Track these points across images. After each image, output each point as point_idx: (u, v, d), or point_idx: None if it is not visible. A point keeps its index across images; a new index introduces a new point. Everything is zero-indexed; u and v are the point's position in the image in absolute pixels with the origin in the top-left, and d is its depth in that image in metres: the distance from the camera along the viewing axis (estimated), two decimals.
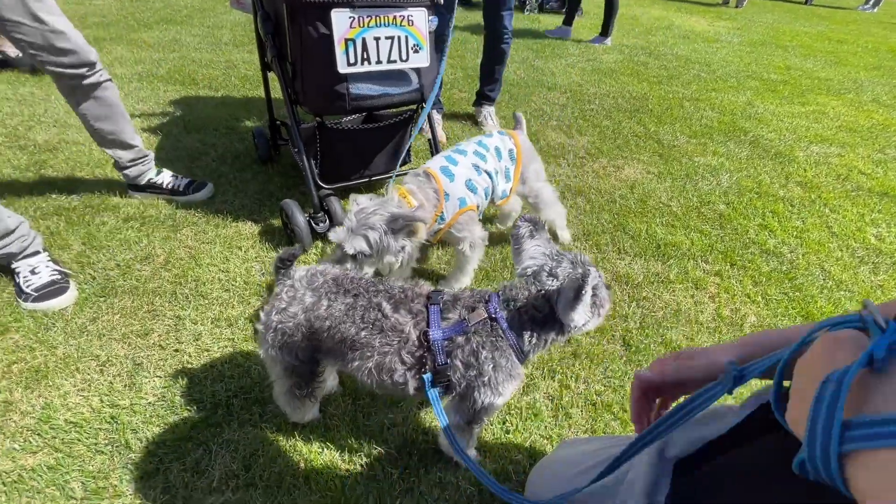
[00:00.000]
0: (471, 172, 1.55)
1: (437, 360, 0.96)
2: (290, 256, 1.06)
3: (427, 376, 0.96)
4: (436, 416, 0.92)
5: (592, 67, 4.27)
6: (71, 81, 1.62)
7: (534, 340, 0.97)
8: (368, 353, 0.97)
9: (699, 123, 3.22)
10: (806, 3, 10.02)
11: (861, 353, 0.35)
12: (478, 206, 1.59)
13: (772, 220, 2.21)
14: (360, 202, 1.32)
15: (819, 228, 2.19)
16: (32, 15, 1.44)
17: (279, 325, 1.00)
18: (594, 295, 0.93)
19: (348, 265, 1.29)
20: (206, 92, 3.16)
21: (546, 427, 1.25)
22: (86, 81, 1.64)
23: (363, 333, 0.97)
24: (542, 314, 0.96)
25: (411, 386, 0.99)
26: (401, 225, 1.27)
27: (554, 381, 1.37)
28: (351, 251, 1.26)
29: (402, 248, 1.30)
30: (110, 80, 1.74)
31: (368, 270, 1.33)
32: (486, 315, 0.96)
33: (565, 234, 1.95)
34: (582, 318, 0.93)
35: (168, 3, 5.27)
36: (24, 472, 1.08)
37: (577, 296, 0.90)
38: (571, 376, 1.39)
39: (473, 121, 3.00)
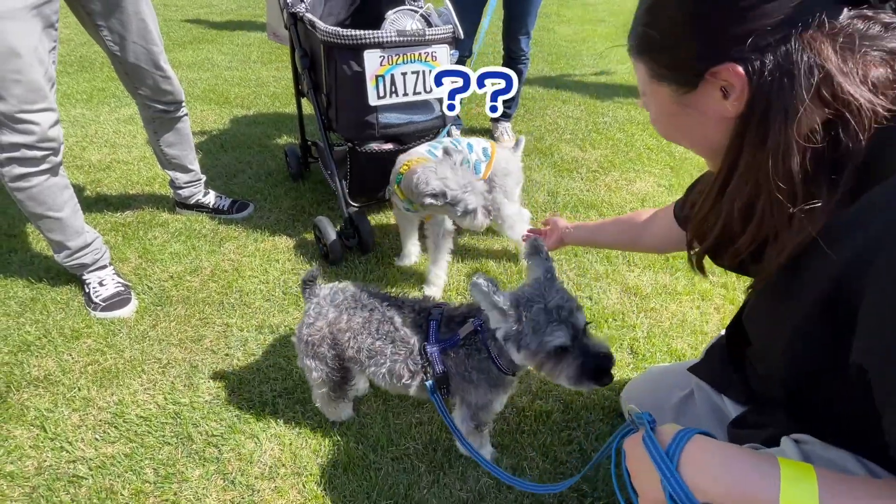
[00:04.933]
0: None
1: (435, 370, 1.11)
2: (312, 277, 1.22)
3: (429, 383, 1.11)
4: (442, 417, 1.07)
5: (606, 79, 4.37)
6: (161, 115, 1.86)
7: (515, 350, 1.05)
8: (382, 360, 1.14)
9: None
10: None
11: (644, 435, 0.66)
12: None
13: None
14: (438, 171, 1.48)
15: None
16: (154, 63, 1.68)
17: (308, 338, 1.16)
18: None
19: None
20: (239, 111, 3.37)
21: (557, 428, 1.38)
22: (171, 116, 1.86)
23: (378, 343, 1.13)
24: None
25: (415, 389, 1.16)
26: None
27: None
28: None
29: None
30: (187, 114, 1.97)
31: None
32: (472, 328, 1.09)
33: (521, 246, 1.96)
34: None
35: (199, 22, 5.55)
36: (106, 458, 1.26)
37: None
38: None
39: (490, 135, 3.14)
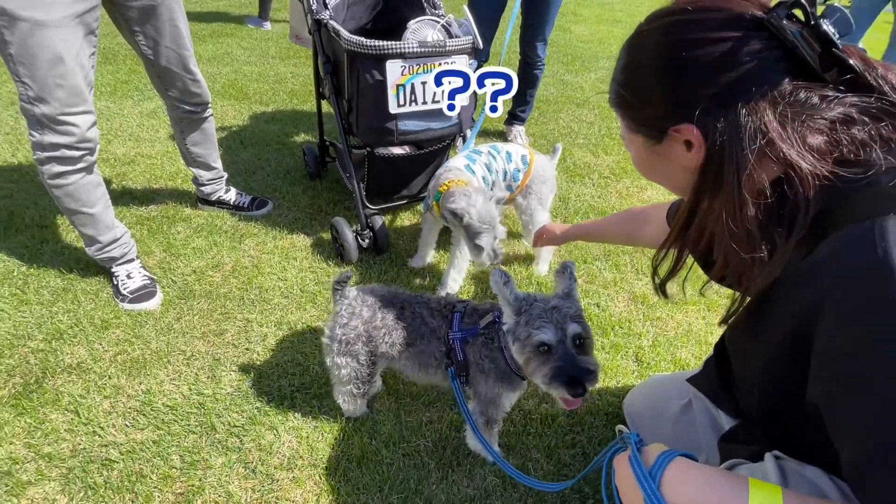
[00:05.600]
0: (484, 171, 1.79)
1: (457, 356, 1.19)
2: (345, 279, 1.30)
3: (451, 370, 1.20)
4: (459, 408, 1.13)
5: None
6: (188, 116, 1.93)
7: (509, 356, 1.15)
8: (413, 350, 1.24)
9: None
10: None
11: (630, 455, 0.73)
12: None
13: None
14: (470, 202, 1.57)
15: None
16: (185, 66, 1.75)
17: (342, 337, 1.23)
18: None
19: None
20: (258, 107, 3.44)
21: (562, 432, 1.44)
22: (198, 117, 1.93)
23: (410, 336, 1.23)
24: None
25: (440, 377, 1.25)
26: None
27: None
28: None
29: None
30: (213, 114, 2.04)
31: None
32: (492, 319, 1.16)
33: (543, 267, 2.00)
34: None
35: (219, 15, 5.62)
36: (135, 444, 1.34)
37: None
38: None
39: (504, 138, 3.17)
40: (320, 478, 1.28)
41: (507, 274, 1.08)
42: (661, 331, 1.80)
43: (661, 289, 0.88)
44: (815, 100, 0.59)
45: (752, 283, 0.68)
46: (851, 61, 0.58)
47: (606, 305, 1.89)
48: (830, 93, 0.59)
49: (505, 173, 1.83)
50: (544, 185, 1.90)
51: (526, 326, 1.03)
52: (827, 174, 0.58)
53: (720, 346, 1.01)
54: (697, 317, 1.87)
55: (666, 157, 0.72)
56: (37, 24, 1.26)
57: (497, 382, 1.20)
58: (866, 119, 0.59)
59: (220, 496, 1.24)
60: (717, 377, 1.00)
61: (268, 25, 5.32)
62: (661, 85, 0.68)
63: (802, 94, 0.59)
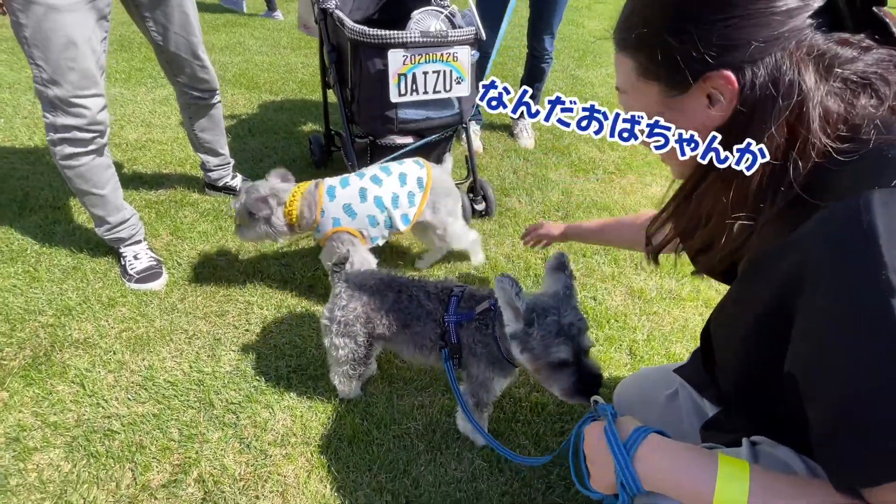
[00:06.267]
0: (353, 199, 1.65)
1: (451, 339, 1.21)
2: (343, 261, 1.33)
3: (444, 351, 1.22)
4: (451, 388, 1.16)
5: None
6: (196, 102, 1.97)
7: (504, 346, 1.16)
8: (409, 331, 1.27)
9: None
10: None
11: (606, 426, 0.75)
12: (362, 232, 1.68)
13: None
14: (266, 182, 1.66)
15: None
16: (193, 52, 1.79)
17: (342, 318, 1.27)
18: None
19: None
20: (268, 96, 3.48)
21: (551, 420, 1.45)
22: (206, 103, 1.97)
23: (406, 317, 1.26)
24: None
25: (434, 358, 1.28)
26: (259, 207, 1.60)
27: None
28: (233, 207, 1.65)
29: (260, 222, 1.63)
30: (221, 101, 2.08)
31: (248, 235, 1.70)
32: (488, 306, 1.18)
33: (479, 257, 1.97)
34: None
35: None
36: (136, 416, 1.39)
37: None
38: None
39: (510, 132, 3.18)
40: (312, 455, 1.32)
41: (517, 283, 1.03)
42: (656, 325, 1.80)
43: (653, 256, 0.86)
44: (853, 52, 0.55)
45: (722, 249, 0.67)
46: (888, 20, 0.55)
47: (603, 299, 1.90)
48: (857, 52, 0.55)
49: (396, 196, 1.67)
50: (449, 198, 1.77)
51: (542, 341, 1.03)
52: (827, 148, 0.55)
53: (705, 335, 1.02)
54: (694, 312, 1.87)
55: (680, 112, 0.64)
56: (50, 8, 1.30)
57: (488, 367, 1.22)
58: (886, 80, 0.55)
59: (215, 468, 1.28)
60: (701, 365, 1.01)
61: (279, 15, 5.35)
62: (699, 18, 0.58)
63: (838, 50, 0.55)
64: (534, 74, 2.90)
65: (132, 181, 2.42)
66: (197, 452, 1.31)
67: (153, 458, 1.29)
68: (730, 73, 0.57)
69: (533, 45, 2.78)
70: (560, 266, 1.14)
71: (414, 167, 1.71)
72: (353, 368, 1.34)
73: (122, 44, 4.17)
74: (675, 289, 1.98)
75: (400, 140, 1.93)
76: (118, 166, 2.54)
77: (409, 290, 1.29)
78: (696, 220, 0.71)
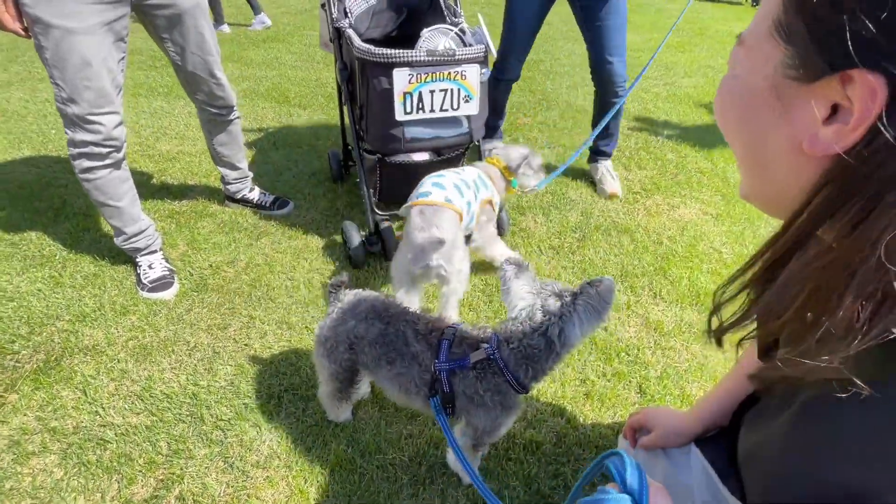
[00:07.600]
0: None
1: (443, 388, 1.13)
2: (340, 283, 1.31)
3: (433, 401, 1.13)
4: (442, 434, 1.09)
5: (668, 92, 4.15)
6: (214, 118, 2.05)
7: (530, 373, 1.10)
8: (393, 371, 1.18)
9: None
10: None
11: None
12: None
13: None
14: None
15: None
16: (210, 71, 1.86)
17: (327, 339, 1.23)
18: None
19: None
20: (296, 110, 3.58)
21: (546, 461, 1.36)
22: (224, 119, 2.04)
23: (391, 353, 1.18)
24: (537, 349, 1.07)
25: (420, 403, 1.19)
26: None
27: (562, 419, 1.47)
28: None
29: None
30: (240, 117, 2.15)
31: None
32: (485, 355, 1.11)
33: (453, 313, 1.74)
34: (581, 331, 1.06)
35: (274, 21, 5.91)
36: (130, 427, 1.41)
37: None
38: (580, 417, 1.48)
39: (589, 179, 2.73)
40: (292, 480, 1.29)
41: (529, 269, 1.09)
42: (671, 362, 1.67)
43: (716, 336, 0.60)
44: None
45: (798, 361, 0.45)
46: None
47: (615, 329, 1.78)
48: None
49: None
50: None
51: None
52: None
53: (737, 416, 0.88)
54: (716, 350, 1.72)
55: (783, 114, 0.44)
56: (67, 31, 1.37)
57: (502, 412, 1.13)
58: None
59: (196, 487, 1.27)
60: (725, 449, 0.88)
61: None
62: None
63: None
64: (605, 108, 2.38)
65: (159, 191, 2.52)
66: (181, 469, 1.31)
67: (139, 471, 1.30)
68: (879, 77, 0.36)
69: (599, 73, 2.36)
70: (521, 268, 1.11)
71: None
72: (339, 391, 1.30)
73: (165, 61, 4.41)
74: (695, 322, 1.83)
75: (408, 158, 1.90)
76: (148, 176, 2.66)
77: (398, 323, 1.20)
78: (788, 299, 0.47)
